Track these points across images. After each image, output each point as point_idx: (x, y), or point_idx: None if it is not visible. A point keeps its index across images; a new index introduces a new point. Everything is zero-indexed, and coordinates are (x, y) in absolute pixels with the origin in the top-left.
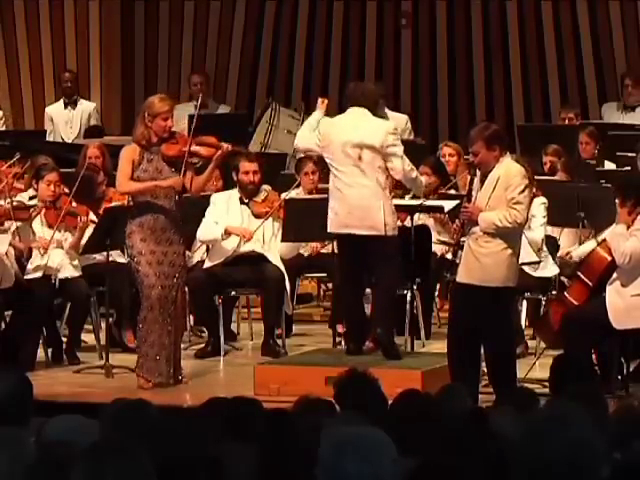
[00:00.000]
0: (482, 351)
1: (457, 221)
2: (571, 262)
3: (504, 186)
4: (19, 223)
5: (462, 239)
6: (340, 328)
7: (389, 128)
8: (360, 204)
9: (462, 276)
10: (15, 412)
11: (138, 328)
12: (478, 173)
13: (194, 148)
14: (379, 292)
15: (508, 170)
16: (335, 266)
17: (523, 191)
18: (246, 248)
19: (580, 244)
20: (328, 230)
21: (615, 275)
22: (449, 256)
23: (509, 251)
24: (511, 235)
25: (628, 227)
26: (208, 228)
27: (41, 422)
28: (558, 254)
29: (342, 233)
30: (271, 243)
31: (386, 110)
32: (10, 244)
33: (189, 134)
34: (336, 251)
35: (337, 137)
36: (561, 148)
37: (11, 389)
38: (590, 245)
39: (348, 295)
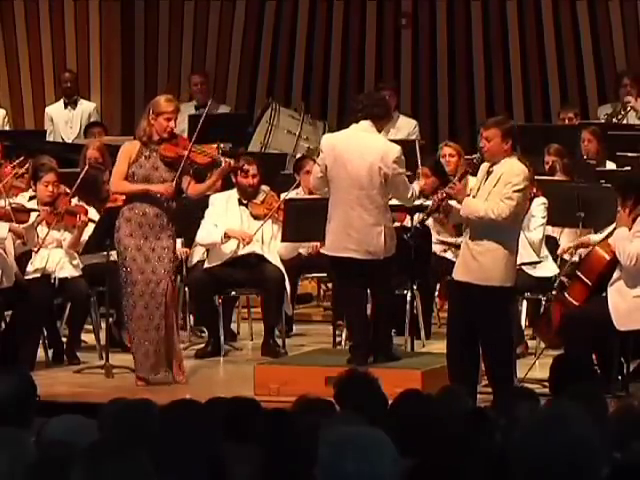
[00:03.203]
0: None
1: (435, 196)
2: (570, 259)
3: (504, 183)
4: (23, 225)
5: (459, 240)
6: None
7: (397, 153)
8: (360, 227)
9: (460, 274)
10: (17, 413)
11: (127, 328)
12: (483, 166)
13: (192, 154)
14: (380, 313)
15: (511, 168)
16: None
17: (519, 190)
18: (245, 250)
19: None
20: (325, 251)
21: (616, 275)
22: (448, 255)
23: (506, 250)
24: (506, 233)
25: (629, 229)
26: (207, 231)
27: (41, 422)
28: (558, 251)
29: (341, 256)
30: (271, 245)
31: (397, 114)
32: (10, 230)
33: (189, 135)
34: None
35: (341, 157)
36: (563, 148)
37: (14, 390)
38: (593, 238)
39: (355, 315)
